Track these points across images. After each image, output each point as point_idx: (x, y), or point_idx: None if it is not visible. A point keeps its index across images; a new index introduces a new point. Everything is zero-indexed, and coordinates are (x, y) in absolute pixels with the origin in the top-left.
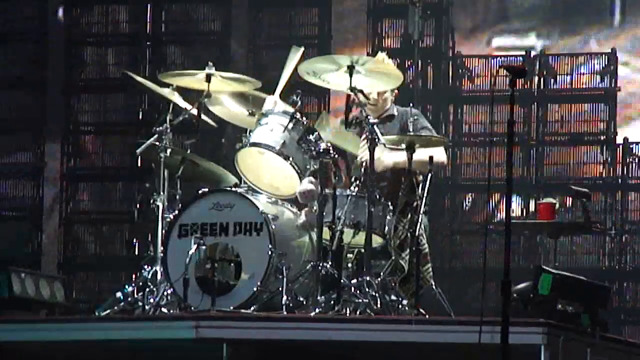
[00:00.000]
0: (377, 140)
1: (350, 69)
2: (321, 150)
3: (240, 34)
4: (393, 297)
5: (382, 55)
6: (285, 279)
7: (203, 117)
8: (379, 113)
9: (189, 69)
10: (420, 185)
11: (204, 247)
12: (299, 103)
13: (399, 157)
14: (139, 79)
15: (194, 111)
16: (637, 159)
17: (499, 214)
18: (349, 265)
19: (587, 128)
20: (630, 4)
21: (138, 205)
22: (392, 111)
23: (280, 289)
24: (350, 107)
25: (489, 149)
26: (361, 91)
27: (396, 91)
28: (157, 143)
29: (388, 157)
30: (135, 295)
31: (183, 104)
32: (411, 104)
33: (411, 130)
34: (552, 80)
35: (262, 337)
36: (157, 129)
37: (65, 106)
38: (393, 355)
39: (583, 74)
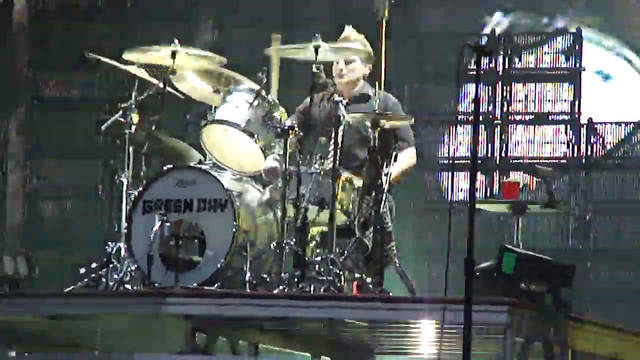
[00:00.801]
0: (341, 117)
1: (316, 49)
2: (286, 127)
3: (207, 10)
4: (357, 275)
5: (349, 30)
6: (249, 256)
7: (170, 90)
8: (350, 89)
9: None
10: (385, 163)
11: (167, 224)
12: (264, 80)
13: (403, 165)
14: (103, 59)
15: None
16: (601, 139)
17: (462, 193)
18: (313, 242)
19: (551, 108)
20: None
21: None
22: (367, 90)
23: (244, 266)
24: (315, 84)
25: (453, 127)
26: (325, 69)
27: (369, 66)
28: (122, 119)
29: (394, 169)
30: (99, 272)
31: (149, 79)
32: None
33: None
34: (516, 59)
35: (224, 314)
36: (122, 105)
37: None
38: (355, 333)
39: (547, 53)
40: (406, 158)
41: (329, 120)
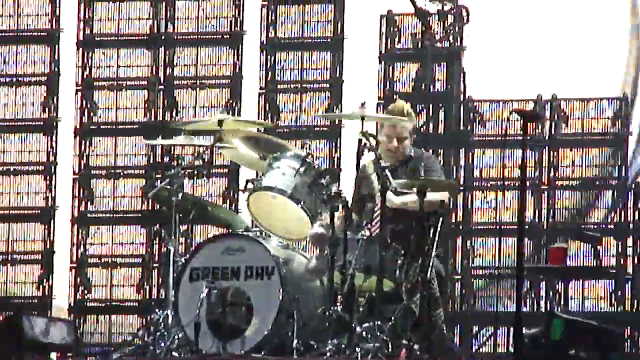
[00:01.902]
0: (388, 184)
1: (362, 117)
2: (332, 194)
3: (252, 78)
4: (404, 342)
5: (400, 103)
6: (296, 323)
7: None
8: (398, 159)
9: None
10: (432, 229)
11: (215, 291)
12: (310, 146)
13: (408, 198)
14: (154, 142)
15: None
16: None
17: (509, 259)
18: (360, 309)
19: (597, 172)
20: None
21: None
22: (410, 152)
23: (291, 333)
24: (362, 150)
25: (501, 192)
26: (372, 135)
27: (414, 136)
28: (169, 186)
29: (397, 198)
30: (147, 339)
31: (198, 145)
32: (422, 148)
33: (421, 173)
34: (563, 124)
35: None
36: (169, 172)
37: (77, 149)
38: None
39: (594, 118)
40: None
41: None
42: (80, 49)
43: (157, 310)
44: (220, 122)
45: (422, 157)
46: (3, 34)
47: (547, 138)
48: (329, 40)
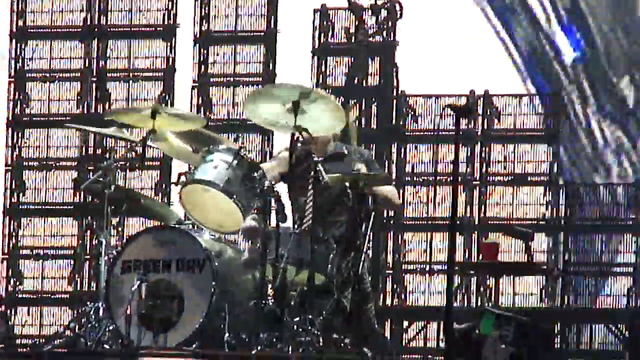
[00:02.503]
0: (321, 178)
1: (295, 107)
2: (265, 188)
3: (185, 71)
4: (335, 336)
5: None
6: (227, 316)
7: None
8: (322, 149)
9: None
10: (364, 224)
11: (146, 284)
12: (243, 140)
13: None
14: (81, 127)
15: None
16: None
17: (441, 254)
18: (292, 303)
19: (530, 168)
20: None
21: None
22: (339, 148)
23: (222, 326)
24: (295, 144)
25: (433, 188)
26: (305, 129)
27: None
28: (102, 179)
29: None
30: (78, 331)
31: (129, 138)
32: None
33: (356, 167)
34: (495, 119)
35: None
36: (102, 164)
37: (8, 141)
38: None
39: (526, 114)
40: (388, 189)
41: (308, 180)
42: (14, 40)
43: (88, 302)
44: (154, 113)
45: (359, 154)
46: None
47: (479, 133)
48: (262, 34)
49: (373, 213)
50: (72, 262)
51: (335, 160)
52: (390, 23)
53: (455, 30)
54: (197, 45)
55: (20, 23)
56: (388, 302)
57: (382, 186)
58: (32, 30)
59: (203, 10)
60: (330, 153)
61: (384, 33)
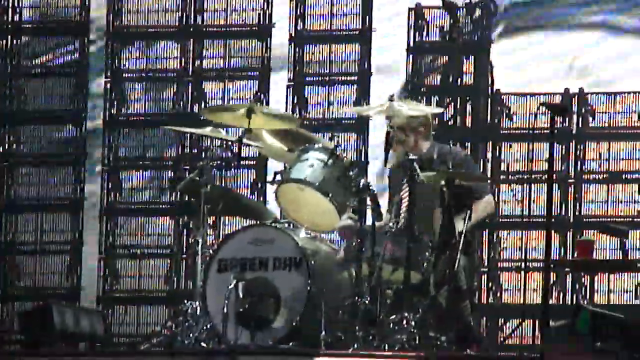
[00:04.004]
0: (416, 177)
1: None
2: (361, 187)
3: (281, 69)
4: (431, 334)
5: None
6: (323, 315)
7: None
8: (417, 150)
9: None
10: (461, 223)
11: (243, 282)
12: (338, 139)
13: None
14: (178, 128)
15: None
16: None
17: (536, 252)
18: (388, 301)
19: (625, 166)
20: None
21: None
22: (433, 147)
23: (318, 324)
24: (390, 143)
25: (528, 186)
26: (400, 127)
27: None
28: (198, 178)
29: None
30: (175, 330)
31: (226, 137)
32: (450, 141)
33: (449, 166)
34: (590, 118)
35: None
36: (198, 164)
37: (106, 141)
38: None
39: (620, 112)
40: (483, 206)
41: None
42: (110, 40)
43: (185, 301)
44: (249, 112)
45: (454, 154)
46: None
47: (574, 131)
48: (357, 32)
49: (468, 212)
50: (169, 261)
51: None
52: (484, 21)
53: (548, 27)
54: (293, 44)
55: (117, 23)
56: (484, 299)
57: (479, 204)
58: (128, 31)
59: (298, 10)
60: (425, 152)
61: (479, 31)
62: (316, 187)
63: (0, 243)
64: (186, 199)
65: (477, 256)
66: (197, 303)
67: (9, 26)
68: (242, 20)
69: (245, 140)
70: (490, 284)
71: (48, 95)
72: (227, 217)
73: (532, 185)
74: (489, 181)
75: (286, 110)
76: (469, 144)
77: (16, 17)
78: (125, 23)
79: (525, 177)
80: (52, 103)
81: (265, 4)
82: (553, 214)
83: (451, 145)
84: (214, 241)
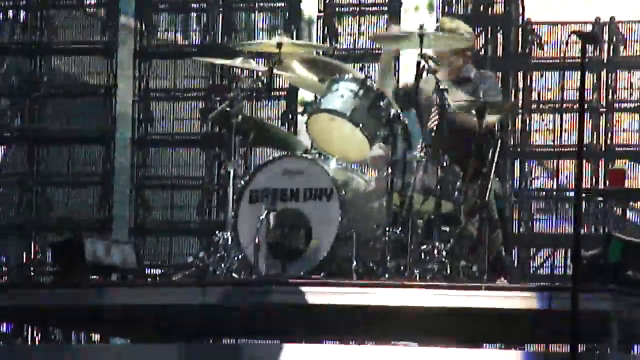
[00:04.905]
0: (447, 106)
1: (420, 37)
2: (391, 117)
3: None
4: (463, 263)
5: (445, 20)
6: (355, 245)
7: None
8: (455, 74)
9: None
10: (490, 151)
11: (274, 213)
12: (369, 69)
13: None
14: (208, 60)
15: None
16: None
17: (567, 181)
18: (419, 231)
19: None
20: None
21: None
22: (469, 73)
23: (350, 254)
24: (420, 75)
25: (559, 115)
26: (432, 57)
27: (468, 52)
28: (228, 109)
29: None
30: (207, 261)
31: (256, 68)
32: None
33: (481, 95)
34: (621, 46)
35: (332, 303)
36: (229, 94)
37: (136, 73)
38: (463, 321)
39: None
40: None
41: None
42: None
43: (216, 232)
44: (279, 45)
45: (482, 77)
46: None
47: (605, 61)
48: None
49: (500, 140)
50: (200, 192)
51: (460, 83)
52: None
53: None
54: None
55: None
56: (515, 229)
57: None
58: None
59: None
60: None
61: None
62: (347, 117)
63: (32, 174)
64: (217, 130)
65: (508, 185)
66: (229, 234)
67: None
68: None
69: (275, 71)
70: (521, 214)
71: (79, 28)
72: (258, 148)
73: (564, 114)
74: (519, 111)
75: (317, 42)
76: (500, 73)
77: None
78: None
79: (557, 106)
80: (83, 37)
81: None
82: (584, 143)
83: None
84: (245, 172)
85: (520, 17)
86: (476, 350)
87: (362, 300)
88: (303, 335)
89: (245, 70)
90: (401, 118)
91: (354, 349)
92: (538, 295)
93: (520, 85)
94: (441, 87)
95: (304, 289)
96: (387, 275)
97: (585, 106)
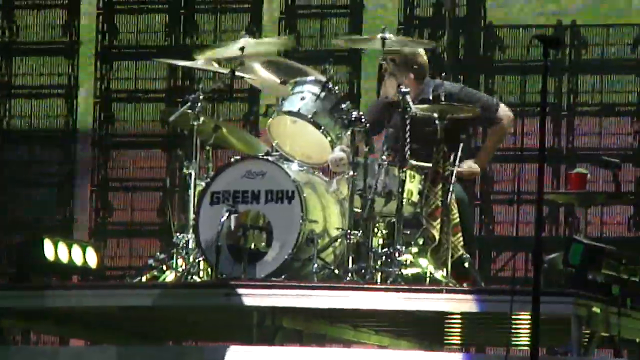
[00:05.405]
0: (408, 109)
1: (383, 40)
2: (353, 119)
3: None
4: (423, 267)
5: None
6: (316, 248)
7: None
8: (415, 96)
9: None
10: (452, 155)
11: (235, 215)
12: (331, 71)
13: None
14: (170, 61)
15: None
16: None
17: (529, 185)
18: (379, 233)
19: (618, 99)
20: None
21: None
22: (427, 95)
23: (311, 257)
24: (383, 75)
25: (521, 119)
26: (393, 60)
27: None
28: (190, 111)
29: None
30: (167, 263)
31: (217, 71)
32: (444, 74)
33: (442, 98)
34: (583, 50)
35: (292, 305)
36: (190, 96)
37: (97, 73)
38: (423, 324)
39: (613, 44)
40: (498, 130)
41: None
42: None
43: (177, 234)
44: (242, 49)
45: (443, 86)
46: None
47: (567, 64)
48: None
49: (461, 144)
50: (161, 194)
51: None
52: None
53: None
54: None
55: None
56: (477, 232)
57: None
58: None
59: None
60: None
61: None
62: (309, 120)
63: None
64: (178, 131)
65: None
66: (190, 236)
67: None
68: None
69: (237, 73)
70: (483, 217)
71: (40, 27)
72: (219, 150)
73: (525, 118)
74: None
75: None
76: (462, 76)
77: None
78: None
79: (518, 109)
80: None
81: None
82: (546, 146)
83: (443, 81)
84: (205, 174)
85: (482, 20)
86: (432, 354)
87: (324, 302)
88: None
89: (206, 72)
90: (362, 120)
91: (311, 352)
92: (500, 298)
93: (482, 88)
94: (402, 90)
95: (264, 291)
96: (347, 279)
97: (547, 109)
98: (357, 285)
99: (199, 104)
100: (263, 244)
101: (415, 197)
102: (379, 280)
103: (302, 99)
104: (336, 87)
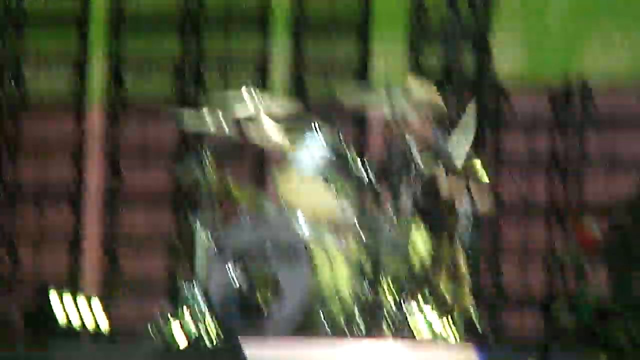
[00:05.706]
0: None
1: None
2: (361, 175)
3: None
4: (432, 321)
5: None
6: (323, 303)
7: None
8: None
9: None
10: (457, 210)
11: (244, 272)
12: (339, 129)
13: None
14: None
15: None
16: None
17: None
18: (388, 290)
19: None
20: None
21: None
22: (436, 134)
23: (320, 313)
24: (389, 132)
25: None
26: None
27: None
28: (197, 169)
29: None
30: (175, 317)
31: (226, 129)
32: None
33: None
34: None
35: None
36: (197, 152)
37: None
38: None
39: None
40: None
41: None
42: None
43: (185, 287)
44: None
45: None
46: None
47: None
48: None
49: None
50: (170, 249)
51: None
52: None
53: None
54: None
55: None
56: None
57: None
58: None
59: None
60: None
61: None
62: (317, 178)
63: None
64: (185, 185)
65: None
66: (199, 292)
67: None
68: None
69: (244, 129)
70: (490, 269)
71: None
72: (227, 207)
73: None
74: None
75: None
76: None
77: None
78: None
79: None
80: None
81: None
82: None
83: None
84: (214, 231)
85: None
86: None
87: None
88: None
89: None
90: (369, 174)
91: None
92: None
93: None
94: (412, 152)
95: (273, 349)
96: (357, 334)
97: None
98: (367, 341)
99: (208, 161)
100: (272, 301)
101: (424, 253)
102: (388, 335)
103: (310, 154)
104: (344, 144)
